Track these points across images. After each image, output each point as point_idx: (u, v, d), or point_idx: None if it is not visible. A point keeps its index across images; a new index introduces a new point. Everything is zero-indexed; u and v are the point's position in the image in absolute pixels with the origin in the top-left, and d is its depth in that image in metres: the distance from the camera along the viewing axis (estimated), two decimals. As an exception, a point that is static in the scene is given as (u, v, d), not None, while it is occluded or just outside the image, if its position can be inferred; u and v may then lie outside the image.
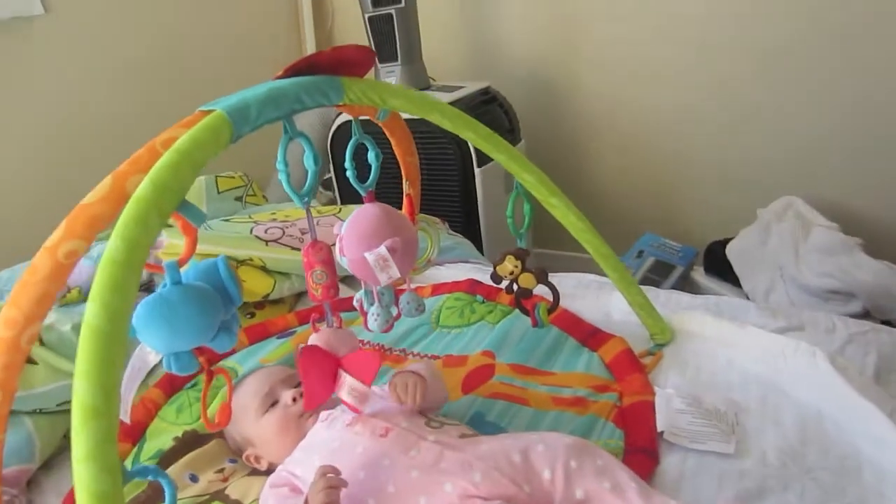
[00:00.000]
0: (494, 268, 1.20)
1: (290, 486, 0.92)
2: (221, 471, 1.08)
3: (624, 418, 1.04)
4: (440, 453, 0.85)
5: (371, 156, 1.07)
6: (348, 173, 1.04)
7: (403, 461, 0.85)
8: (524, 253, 1.19)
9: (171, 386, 1.26)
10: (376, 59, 2.29)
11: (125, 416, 1.02)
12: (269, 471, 1.01)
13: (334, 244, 1.02)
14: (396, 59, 2.24)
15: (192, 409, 1.20)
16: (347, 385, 0.94)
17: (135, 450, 1.15)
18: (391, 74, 2.26)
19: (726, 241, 2.28)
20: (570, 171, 2.52)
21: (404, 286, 1.13)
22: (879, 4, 1.94)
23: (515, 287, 1.20)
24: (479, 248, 2.12)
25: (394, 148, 1.20)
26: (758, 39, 2.13)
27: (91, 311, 0.61)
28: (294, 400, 1.02)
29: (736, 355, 1.15)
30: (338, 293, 0.93)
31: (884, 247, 2.04)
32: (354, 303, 1.12)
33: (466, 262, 1.71)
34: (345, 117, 2.31)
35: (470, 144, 2.09)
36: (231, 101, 0.78)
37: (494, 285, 1.42)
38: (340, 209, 1.78)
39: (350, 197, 2.37)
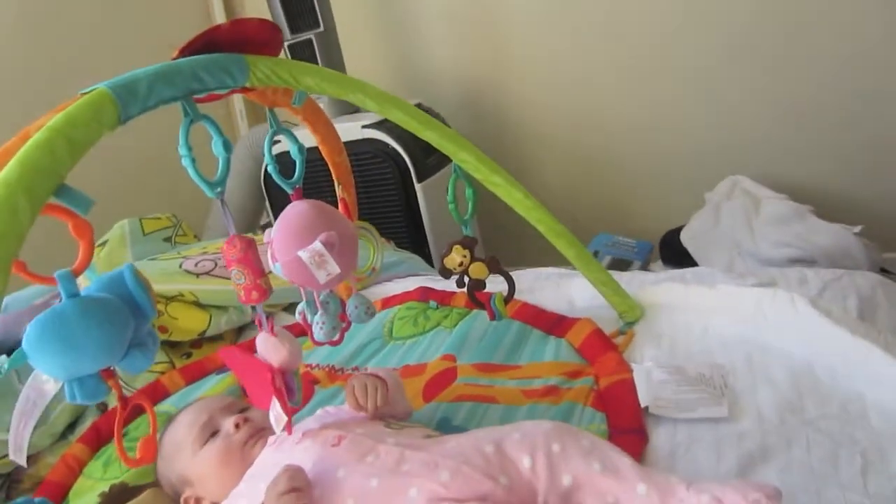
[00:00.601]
0: (442, 261, 1.11)
1: None
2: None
3: (603, 401, 0.95)
4: (401, 455, 0.74)
5: (293, 150, 0.98)
6: (270, 168, 0.94)
7: (360, 469, 0.73)
8: (472, 241, 1.10)
9: (98, 439, 1.11)
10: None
11: (19, 458, 0.88)
12: (215, 518, 0.88)
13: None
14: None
15: (121, 462, 1.05)
16: (273, 404, 0.82)
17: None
18: (318, 99, 2.17)
19: (679, 229, 2.25)
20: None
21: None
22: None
23: (467, 280, 1.11)
24: (430, 264, 2.03)
25: (319, 146, 1.10)
26: (682, 34, 2.15)
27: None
28: (237, 426, 0.89)
29: (711, 321, 1.07)
30: (264, 295, 0.82)
31: (833, 212, 2.03)
32: (297, 316, 1.01)
33: (416, 275, 1.61)
34: (278, 149, 2.21)
35: (408, 160, 2.02)
36: (116, 79, 0.68)
37: (447, 290, 1.34)
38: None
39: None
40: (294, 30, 2.14)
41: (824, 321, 0.94)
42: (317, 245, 0.88)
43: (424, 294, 1.35)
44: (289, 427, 0.79)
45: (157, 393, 1.22)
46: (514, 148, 2.48)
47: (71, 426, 1.20)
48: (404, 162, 2.01)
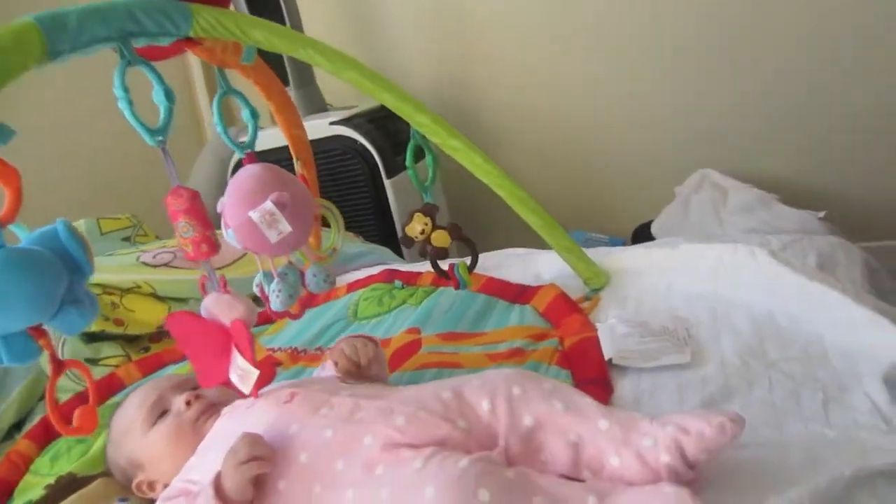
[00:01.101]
0: (403, 229, 1.09)
1: (185, 494, 0.75)
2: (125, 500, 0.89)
3: (568, 359, 0.93)
4: (355, 404, 0.71)
5: (246, 114, 0.96)
6: (219, 129, 0.92)
7: (314, 422, 0.70)
8: (433, 208, 1.09)
9: (46, 435, 1.06)
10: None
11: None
12: (167, 498, 0.83)
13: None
14: (288, 83, 2.15)
15: (70, 454, 1.00)
16: (236, 364, 0.79)
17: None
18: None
19: (650, 223, 2.25)
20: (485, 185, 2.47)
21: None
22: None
23: (429, 249, 1.09)
24: (400, 256, 2.01)
25: (275, 115, 1.08)
26: (648, 31, 2.17)
27: None
28: (188, 403, 0.85)
29: (675, 280, 1.06)
30: (214, 249, 0.79)
31: (799, 201, 2.05)
32: (254, 288, 0.98)
33: (384, 263, 1.58)
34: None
35: (377, 156, 2.00)
36: (44, 11, 0.66)
37: (412, 271, 1.32)
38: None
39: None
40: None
41: (784, 269, 0.94)
42: (267, 204, 0.86)
43: (390, 275, 1.33)
44: (256, 386, 0.76)
45: (112, 386, 1.18)
46: (484, 148, 2.47)
47: (17, 425, 1.15)
48: (373, 158, 1.99)
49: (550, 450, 0.66)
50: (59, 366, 0.71)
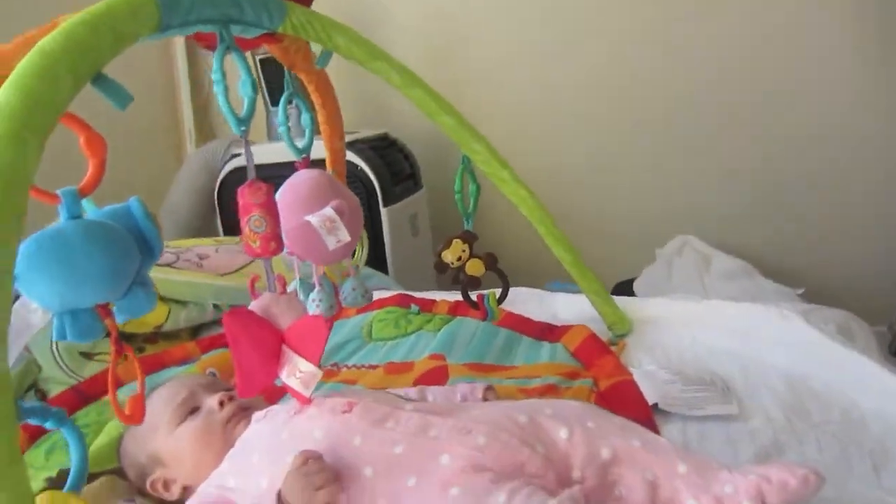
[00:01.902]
0: (438, 255, 1.08)
1: (224, 502, 0.70)
2: (132, 501, 0.83)
3: (606, 400, 0.92)
4: (424, 420, 0.68)
5: (305, 118, 0.94)
6: (281, 129, 0.90)
7: (379, 436, 0.67)
8: (472, 237, 1.08)
9: (38, 427, 0.98)
10: (269, 103, 2.18)
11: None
12: (181, 502, 0.78)
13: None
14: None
15: (68, 449, 0.93)
16: (292, 364, 0.75)
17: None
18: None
19: (629, 281, 2.29)
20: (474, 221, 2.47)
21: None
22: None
23: (462, 276, 1.08)
24: (392, 286, 1.99)
25: (321, 125, 1.07)
26: (638, 104, 2.25)
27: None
28: (221, 404, 0.81)
29: (700, 333, 1.07)
30: (281, 248, 0.76)
31: (775, 276, 2.13)
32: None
33: (387, 289, 1.56)
34: (234, 164, 2.15)
35: (376, 183, 1.99)
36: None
37: (426, 298, 1.30)
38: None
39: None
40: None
41: (816, 333, 0.96)
42: (328, 210, 0.84)
43: (404, 300, 1.31)
44: (303, 399, 0.72)
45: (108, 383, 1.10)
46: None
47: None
48: (372, 185, 1.98)
49: (627, 485, 0.65)
50: (119, 349, 0.66)
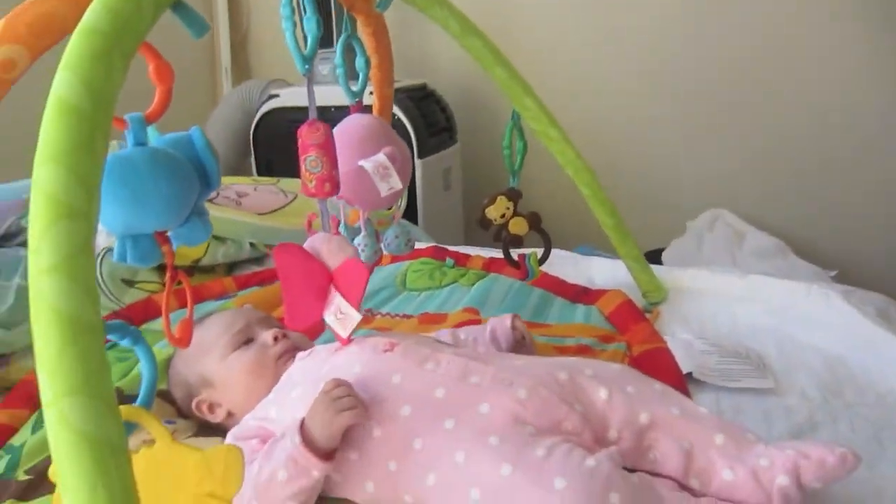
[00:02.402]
0: (483, 211, 1.07)
1: (261, 438, 0.71)
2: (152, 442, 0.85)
3: (639, 365, 0.92)
4: (465, 366, 0.69)
5: (360, 62, 0.93)
6: (338, 71, 0.90)
7: (420, 377, 0.68)
8: (517, 194, 1.08)
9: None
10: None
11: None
12: (223, 427, 0.80)
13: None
14: (332, 45, 2.11)
15: (112, 369, 0.96)
16: (335, 305, 0.76)
17: (34, 417, 0.90)
18: (326, 61, 2.12)
19: (657, 251, 2.28)
20: (504, 179, 2.46)
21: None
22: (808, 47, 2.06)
23: (504, 234, 1.08)
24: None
25: (372, 71, 1.06)
26: (681, 72, 2.20)
27: (64, 82, 0.42)
28: (275, 339, 0.83)
29: (739, 308, 1.07)
30: (336, 190, 0.76)
31: (805, 256, 2.11)
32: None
33: (419, 241, 1.56)
34: (271, 105, 2.14)
35: (412, 134, 1.98)
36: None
37: (461, 252, 1.30)
38: (279, 181, 1.60)
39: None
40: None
41: (859, 317, 0.96)
42: (381, 156, 0.84)
43: (440, 252, 1.31)
44: (342, 340, 0.74)
45: (148, 310, 1.13)
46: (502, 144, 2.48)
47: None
48: (408, 136, 1.97)
49: (662, 451, 0.66)
50: (174, 276, 0.68)
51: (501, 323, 0.87)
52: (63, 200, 0.39)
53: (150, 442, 0.59)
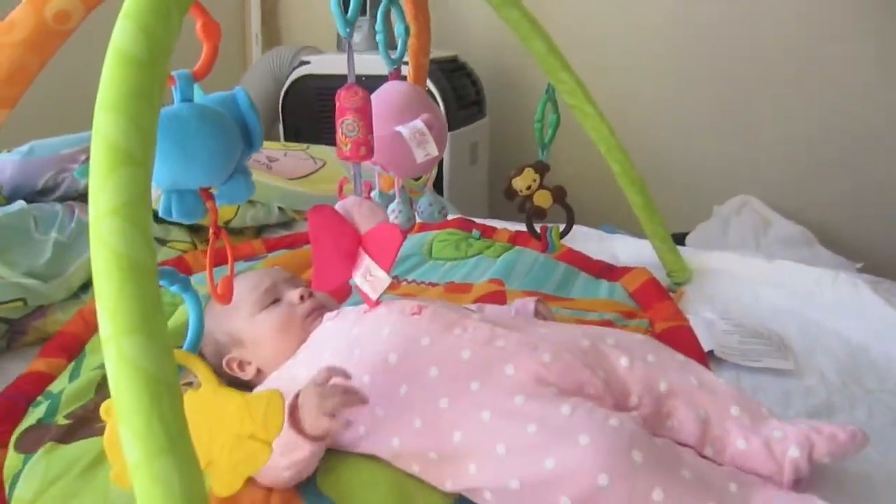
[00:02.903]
0: (509, 181, 1.08)
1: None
2: (189, 384, 0.88)
3: (661, 341, 0.93)
4: (492, 331, 0.70)
5: (400, 28, 0.94)
6: (378, 37, 0.90)
7: (447, 340, 0.70)
8: (544, 167, 1.08)
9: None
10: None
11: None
12: (252, 384, 0.82)
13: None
14: (366, 13, 2.11)
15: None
16: (364, 267, 0.78)
17: (71, 365, 0.94)
18: (359, 29, 2.12)
19: (682, 235, 2.27)
20: (532, 156, 2.46)
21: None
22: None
23: (528, 206, 1.09)
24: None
25: (411, 39, 1.06)
26: (726, 52, 2.17)
27: (124, 33, 0.44)
28: (302, 299, 0.84)
29: (763, 291, 1.08)
30: (370, 154, 0.78)
31: (832, 247, 2.09)
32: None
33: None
34: (301, 72, 2.15)
35: (442, 105, 1.98)
36: None
37: (487, 224, 1.32)
38: (308, 147, 1.61)
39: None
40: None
41: (886, 307, 0.96)
42: (418, 123, 0.85)
43: (466, 224, 1.33)
44: (371, 302, 0.75)
45: (180, 269, 1.15)
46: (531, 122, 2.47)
47: (84, 287, 1.13)
48: (438, 107, 1.97)
49: (679, 418, 0.68)
50: (218, 232, 0.70)
51: (525, 306, 0.88)
52: (123, 147, 0.41)
53: (188, 385, 0.61)
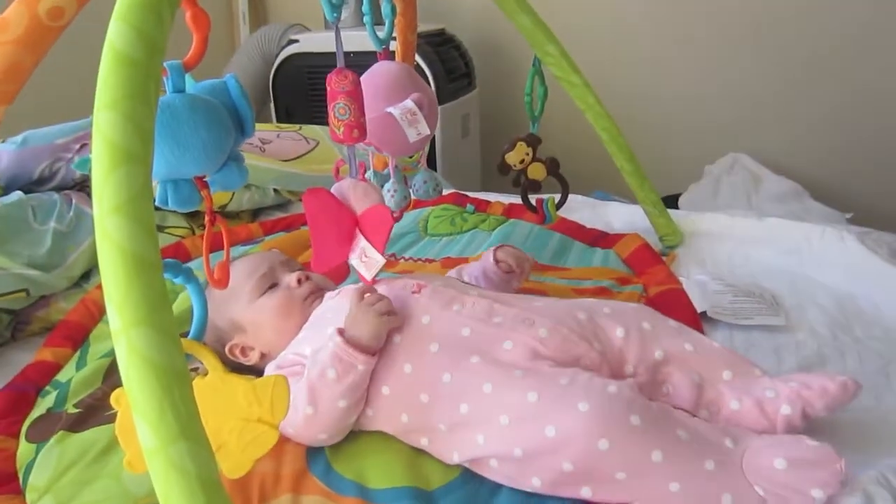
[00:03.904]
0: (502, 157, 1.09)
1: (300, 364, 0.76)
2: (195, 370, 0.90)
3: (654, 305, 0.95)
4: (490, 307, 0.73)
5: (386, 9, 0.94)
6: (366, 19, 0.90)
7: (447, 317, 0.72)
8: (536, 140, 1.09)
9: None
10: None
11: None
12: (257, 368, 0.84)
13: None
14: (349, -11, 2.09)
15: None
16: (360, 248, 0.79)
17: (76, 355, 0.96)
18: (346, 6, 2.10)
19: (674, 197, 2.29)
20: (522, 126, 2.46)
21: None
22: None
23: (522, 179, 1.10)
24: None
25: (397, 18, 1.06)
26: (707, 12, 2.17)
27: (120, 33, 0.45)
28: (299, 282, 0.85)
29: (754, 250, 1.10)
30: (363, 136, 0.79)
31: (823, 199, 2.11)
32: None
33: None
34: (290, 51, 2.14)
35: (431, 79, 1.98)
36: None
37: (481, 198, 1.33)
38: (301, 127, 1.61)
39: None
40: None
41: (871, 256, 0.98)
42: (408, 103, 0.86)
43: (460, 199, 1.34)
44: (367, 282, 0.77)
45: (178, 255, 1.17)
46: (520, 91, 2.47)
47: (86, 275, 1.14)
48: (427, 82, 1.97)
49: (674, 384, 0.70)
50: (213, 219, 0.71)
51: (486, 260, 0.90)
52: (122, 146, 0.42)
53: (194, 371, 0.63)
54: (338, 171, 0.86)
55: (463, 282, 0.84)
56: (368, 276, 0.79)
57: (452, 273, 0.93)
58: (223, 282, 0.73)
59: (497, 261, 0.88)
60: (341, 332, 0.68)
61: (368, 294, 0.70)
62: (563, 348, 0.69)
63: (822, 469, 0.58)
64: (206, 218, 0.72)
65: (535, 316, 0.71)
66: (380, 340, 0.68)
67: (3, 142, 1.22)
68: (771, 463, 0.59)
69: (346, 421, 0.69)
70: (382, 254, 0.78)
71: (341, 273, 1.00)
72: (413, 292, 0.76)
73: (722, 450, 0.61)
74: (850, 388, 0.66)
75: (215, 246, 1.26)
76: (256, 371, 0.82)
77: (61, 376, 0.91)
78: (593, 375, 0.65)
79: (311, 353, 0.70)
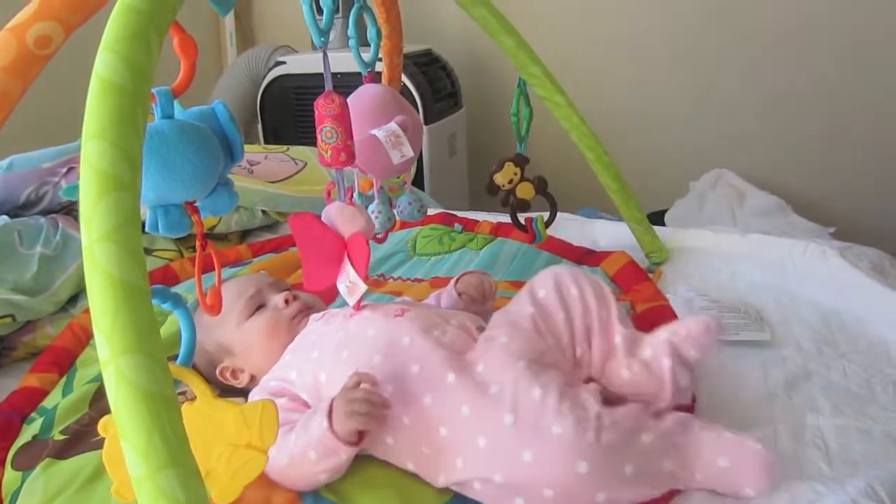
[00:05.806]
0: (491, 177, 1.10)
1: (290, 396, 0.76)
2: (183, 393, 0.90)
3: (642, 321, 0.97)
4: (466, 339, 0.74)
5: (372, 32, 0.95)
6: (351, 42, 0.92)
7: (426, 341, 0.72)
8: (524, 160, 1.10)
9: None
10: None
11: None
12: (247, 390, 0.84)
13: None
14: (339, 12, 2.11)
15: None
16: (345, 273, 0.80)
17: (63, 380, 0.95)
18: (333, 27, 2.12)
19: (660, 213, 2.31)
20: (509, 144, 2.48)
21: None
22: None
23: (511, 199, 1.11)
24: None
25: (383, 41, 1.08)
26: (692, 30, 2.22)
27: (107, 63, 0.45)
28: (287, 302, 0.86)
29: (739, 266, 1.11)
30: (351, 160, 0.79)
31: (806, 214, 2.13)
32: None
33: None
34: (277, 72, 2.15)
35: (418, 100, 2.00)
36: None
37: (468, 217, 1.34)
38: (289, 149, 1.62)
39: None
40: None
41: (854, 271, 0.99)
42: (393, 125, 0.87)
43: (448, 218, 1.34)
44: (358, 303, 0.78)
45: (167, 278, 1.17)
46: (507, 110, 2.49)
47: (72, 300, 1.14)
48: (414, 102, 1.98)
49: (588, 360, 0.74)
50: (204, 243, 0.71)
51: (450, 294, 0.90)
52: (111, 174, 0.42)
53: (182, 395, 0.63)
54: (329, 193, 0.87)
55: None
56: (351, 302, 0.79)
57: (431, 300, 0.93)
58: (216, 307, 0.73)
59: (459, 293, 0.89)
60: (330, 415, 0.66)
61: (360, 385, 0.67)
62: (526, 348, 0.70)
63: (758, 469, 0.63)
64: (198, 243, 0.72)
65: (494, 331, 0.74)
66: (352, 436, 0.65)
67: (-13, 168, 1.22)
68: (715, 460, 0.63)
69: (330, 481, 0.68)
70: (365, 281, 0.78)
71: (333, 293, 1.01)
72: (395, 315, 0.77)
73: (679, 446, 0.64)
74: (711, 328, 0.70)
75: (204, 268, 1.27)
76: (246, 394, 0.83)
77: (47, 402, 0.90)
78: (564, 391, 0.65)
79: (304, 419, 0.69)
